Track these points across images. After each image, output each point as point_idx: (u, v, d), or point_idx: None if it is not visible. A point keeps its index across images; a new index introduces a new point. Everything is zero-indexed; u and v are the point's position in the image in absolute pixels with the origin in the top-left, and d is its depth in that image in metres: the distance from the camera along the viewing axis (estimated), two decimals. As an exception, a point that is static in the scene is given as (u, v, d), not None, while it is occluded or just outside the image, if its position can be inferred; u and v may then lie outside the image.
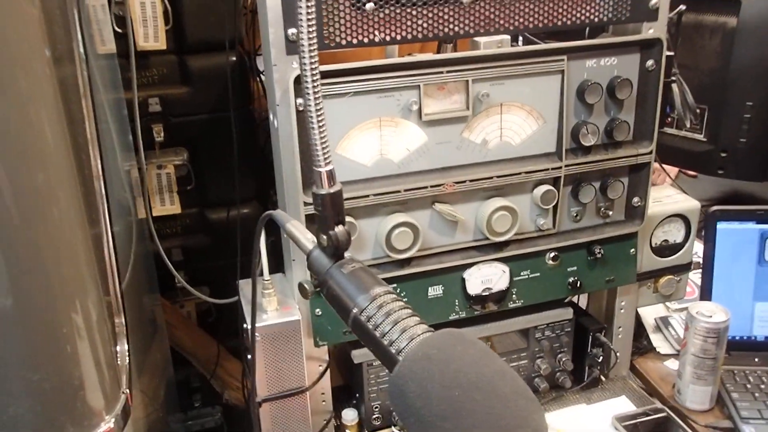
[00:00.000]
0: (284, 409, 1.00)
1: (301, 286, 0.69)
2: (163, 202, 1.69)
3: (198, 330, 1.89)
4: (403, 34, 0.89)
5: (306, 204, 0.91)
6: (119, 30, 1.33)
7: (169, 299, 1.88)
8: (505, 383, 0.57)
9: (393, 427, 1.11)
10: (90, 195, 0.76)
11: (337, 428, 1.11)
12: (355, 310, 0.64)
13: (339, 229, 0.65)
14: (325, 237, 0.66)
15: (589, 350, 1.17)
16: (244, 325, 0.99)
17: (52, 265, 0.66)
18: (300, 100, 0.86)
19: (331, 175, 0.65)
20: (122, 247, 1.29)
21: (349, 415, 1.10)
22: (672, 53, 1.04)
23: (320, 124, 0.63)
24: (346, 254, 0.68)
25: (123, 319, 0.87)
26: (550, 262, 1.07)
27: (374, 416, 1.10)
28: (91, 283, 0.73)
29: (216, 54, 1.51)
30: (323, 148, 0.63)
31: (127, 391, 0.83)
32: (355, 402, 1.12)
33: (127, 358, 0.86)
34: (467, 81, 0.94)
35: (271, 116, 0.94)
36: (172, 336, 1.81)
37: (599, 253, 1.09)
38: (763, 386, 1.14)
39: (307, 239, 0.70)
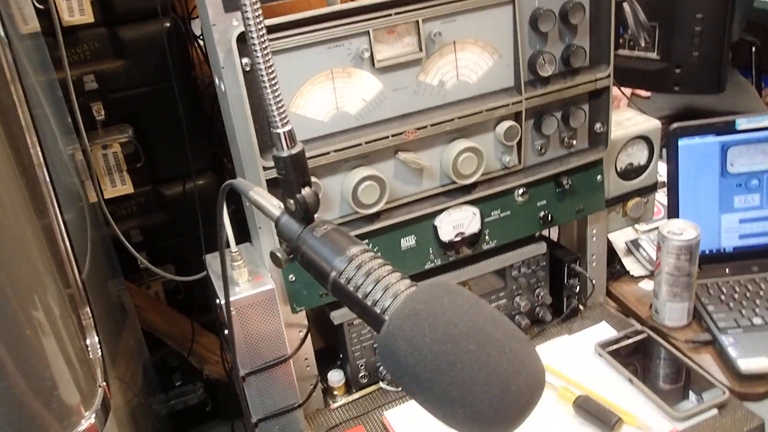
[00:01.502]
0: (269, 380, 0.98)
1: (273, 256, 0.66)
2: (114, 183, 1.63)
3: (169, 309, 1.85)
4: (346, -22, 0.85)
5: (266, 168, 0.87)
6: (40, 6, 1.24)
7: (135, 282, 1.83)
8: (497, 329, 0.56)
9: (381, 382, 1.10)
10: (33, 185, 0.71)
11: (324, 391, 1.10)
12: (333, 274, 0.61)
13: (306, 191, 0.62)
14: (292, 201, 0.62)
15: (565, 282, 1.17)
16: (217, 301, 0.96)
17: (3, 265, 0.61)
18: (246, 60, 0.81)
19: (290, 135, 0.62)
20: (77, 234, 1.23)
21: (335, 377, 1.08)
22: (621, -28, 1.01)
23: (272, 83, 0.59)
24: (316, 216, 0.65)
25: (89, 310, 0.83)
26: (520, 198, 1.06)
27: (361, 375, 1.08)
28: (48, 277, 0.68)
29: (148, 22, 1.43)
30: (279, 108, 0.59)
31: (104, 383, 0.80)
32: (339, 363, 1.10)
33: (99, 350, 0.82)
34: (417, 21, 0.90)
35: (216, 80, 0.89)
36: (143, 318, 1.77)
37: (567, 184, 1.08)
38: (736, 296, 1.16)
39: (274, 206, 0.67)
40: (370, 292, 0.60)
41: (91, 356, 0.81)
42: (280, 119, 0.60)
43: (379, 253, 0.63)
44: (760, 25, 2.58)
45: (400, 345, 0.56)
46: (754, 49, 2.65)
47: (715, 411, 0.98)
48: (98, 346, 0.82)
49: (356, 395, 1.09)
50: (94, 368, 0.80)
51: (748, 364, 1.03)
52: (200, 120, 1.57)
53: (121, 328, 1.54)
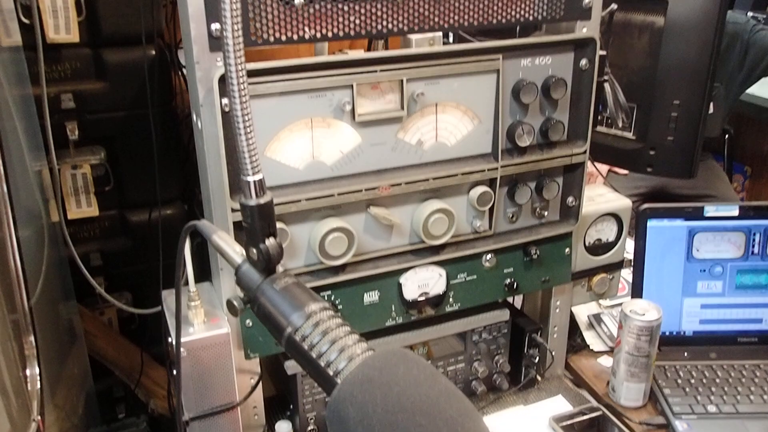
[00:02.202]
0: (214, 426, 0.95)
1: (229, 304, 0.64)
2: (79, 204, 1.59)
3: (120, 338, 1.79)
4: (334, 30, 0.85)
5: (234, 210, 0.85)
6: (26, 21, 1.23)
7: (88, 306, 1.77)
8: (451, 405, 0.54)
9: (329, 438, 1.07)
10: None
11: (270, 442, 1.06)
12: (289, 330, 0.60)
13: (270, 242, 0.61)
14: (255, 251, 0.61)
15: (525, 351, 1.16)
16: (169, 339, 0.93)
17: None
18: (226, 101, 0.80)
19: (260, 184, 0.61)
20: (32, 254, 1.19)
21: (283, 428, 1.05)
22: (604, 53, 1.03)
23: (248, 129, 0.58)
24: (279, 267, 0.64)
25: (33, 340, 0.80)
26: (487, 264, 1.06)
27: (310, 428, 1.05)
28: (-8, 302, 0.66)
29: (134, 47, 1.42)
30: (251, 156, 0.58)
31: (38, 418, 0.76)
32: (289, 414, 1.07)
33: (39, 382, 0.79)
34: (402, 80, 0.90)
35: (194, 117, 0.88)
36: (92, 345, 1.71)
37: (535, 253, 1.08)
38: (692, 381, 1.16)
39: (236, 252, 0.65)
40: (324, 352, 0.58)
41: (29, 387, 0.77)
42: (252, 167, 0.59)
43: (339, 313, 0.61)
44: (734, 114, 2.67)
45: (350, 411, 0.54)
46: (727, 136, 2.73)
47: (663, 499, 0.97)
48: (38, 377, 0.78)
49: (302, 450, 1.06)
50: (30, 400, 0.77)
51: (699, 452, 1.03)
52: (175, 149, 1.56)
53: (67, 353, 1.49)
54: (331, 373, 0.57)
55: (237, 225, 0.86)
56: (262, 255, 0.61)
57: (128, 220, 1.70)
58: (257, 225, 0.61)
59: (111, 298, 1.39)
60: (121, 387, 1.86)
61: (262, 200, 0.61)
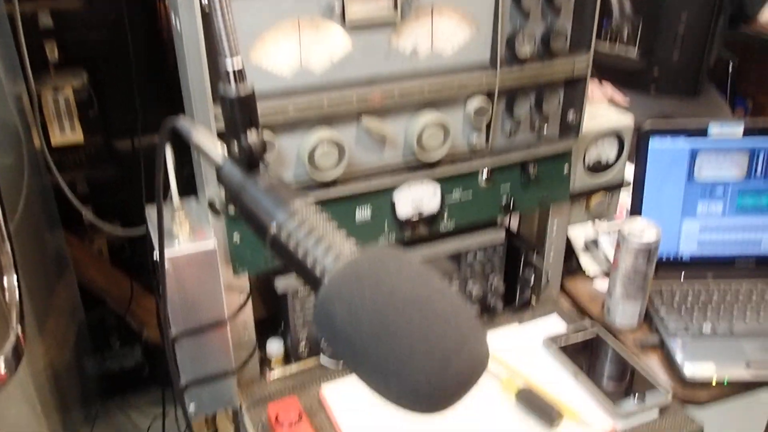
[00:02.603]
0: (203, 343, 0.93)
1: (211, 203, 0.60)
2: (62, 130, 1.54)
3: (110, 267, 1.77)
4: (323, -77, 0.79)
5: (218, 120, 0.81)
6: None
7: (78, 237, 1.75)
8: (444, 302, 0.51)
9: (321, 355, 1.05)
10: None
11: (261, 362, 1.05)
12: (273, 227, 0.57)
13: (251, 134, 0.57)
14: (235, 143, 0.57)
15: (520, 272, 1.14)
16: (154, 256, 0.90)
17: None
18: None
19: (240, 74, 0.57)
20: (11, 179, 1.16)
21: (274, 346, 1.04)
22: (610, -43, 0.98)
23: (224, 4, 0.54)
24: (262, 166, 0.60)
25: (10, 249, 0.77)
26: (483, 181, 1.02)
27: (301, 347, 1.04)
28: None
29: (114, -41, 1.36)
30: (228, 37, 0.54)
31: (18, 328, 0.74)
32: (280, 332, 1.06)
33: (17, 292, 0.76)
34: (395, -21, 0.85)
35: (173, 18, 0.83)
36: (83, 274, 1.69)
37: (533, 171, 1.04)
38: (688, 302, 1.15)
39: (218, 151, 0.61)
40: (310, 250, 0.55)
41: (6, 298, 0.74)
42: (230, 48, 0.55)
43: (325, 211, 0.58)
44: (739, 43, 2.59)
45: (337, 309, 0.51)
46: (731, 64, 2.66)
47: (656, 413, 0.96)
48: (17, 288, 0.76)
49: (294, 368, 1.05)
50: (8, 311, 0.74)
51: (693, 369, 1.02)
52: (161, 72, 1.50)
53: (55, 282, 1.47)
54: (317, 271, 0.54)
55: (222, 136, 0.82)
56: (244, 150, 0.57)
57: (114, 147, 1.66)
58: (238, 117, 0.57)
59: (96, 219, 1.35)
60: (113, 317, 1.86)
61: (243, 92, 0.57)
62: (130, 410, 1.79)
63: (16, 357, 0.71)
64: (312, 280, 0.55)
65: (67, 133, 1.55)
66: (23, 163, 1.26)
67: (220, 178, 0.61)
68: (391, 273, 0.52)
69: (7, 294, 0.74)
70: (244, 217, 0.60)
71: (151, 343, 1.83)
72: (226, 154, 0.60)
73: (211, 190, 0.87)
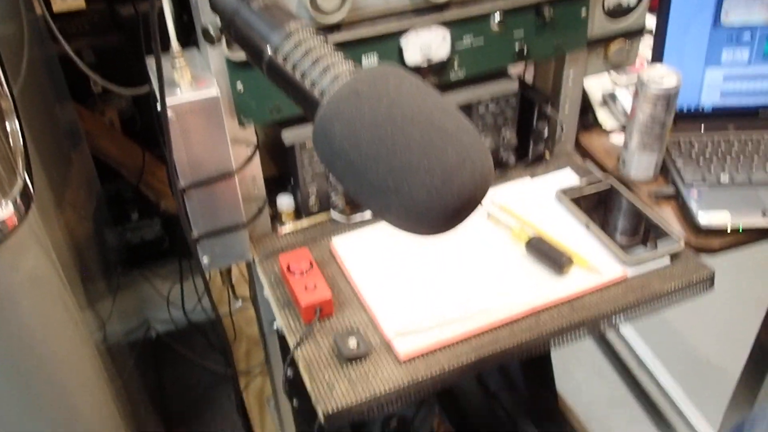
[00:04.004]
0: (212, 195, 0.93)
1: (204, 31, 0.58)
2: (63, -5, 1.49)
3: (123, 137, 1.77)
4: None
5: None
6: None
7: (88, 107, 1.73)
8: (447, 118, 0.50)
9: (332, 210, 1.06)
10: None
11: (272, 217, 1.05)
12: (269, 51, 0.54)
13: (242, -49, 0.53)
14: (225, -40, 0.54)
15: (534, 125, 1.12)
16: (158, 107, 0.89)
17: None
18: None
19: None
20: (10, 44, 1.12)
21: (285, 201, 1.04)
22: None
23: None
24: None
25: (8, 93, 0.75)
26: (496, 26, 0.97)
27: (311, 201, 1.04)
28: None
29: None
30: None
31: (25, 174, 0.74)
32: (290, 188, 1.05)
33: (21, 139, 0.75)
34: None
35: None
36: (96, 146, 1.69)
37: (549, 15, 0.99)
38: (707, 153, 1.12)
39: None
40: (308, 72, 0.53)
41: (11, 143, 0.74)
42: None
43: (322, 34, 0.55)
44: None
45: (336, 127, 0.50)
46: None
47: (667, 259, 0.96)
48: (19, 134, 0.75)
49: (305, 222, 1.05)
50: (13, 156, 0.74)
51: (708, 217, 1.01)
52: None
53: (70, 154, 1.47)
54: (316, 93, 0.53)
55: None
56: (235, -32, 0.54)
57: (118, 13, 1.60)
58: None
59: (104, 81, 1.32)
60: (129, 190, 1.87)
61: None
62: (153, 278, 1.84)
63: (25, 201, 0.72)
64: (311, 104, 0.54)
65: (69, -1, 1.50)
66: (23, 29, 1.23)
67: (213, 4, 0.58)
68: (390, 89, 0.50)
69: (10, 139, 0.73)
70: (239, 44, 0.57)
71: (169, 215, 1.86)
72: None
73: (206, 17, 0.83)
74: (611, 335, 1.86)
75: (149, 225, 1.97)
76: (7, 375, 0.77)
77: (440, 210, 0.48)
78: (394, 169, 0.48)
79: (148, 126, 1.79)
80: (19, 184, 0.72)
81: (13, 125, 0.73)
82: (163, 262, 1.93)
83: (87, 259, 1.45)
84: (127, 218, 1.94)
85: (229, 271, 1.10)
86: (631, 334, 1.81)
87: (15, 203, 0.70)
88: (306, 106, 0.54)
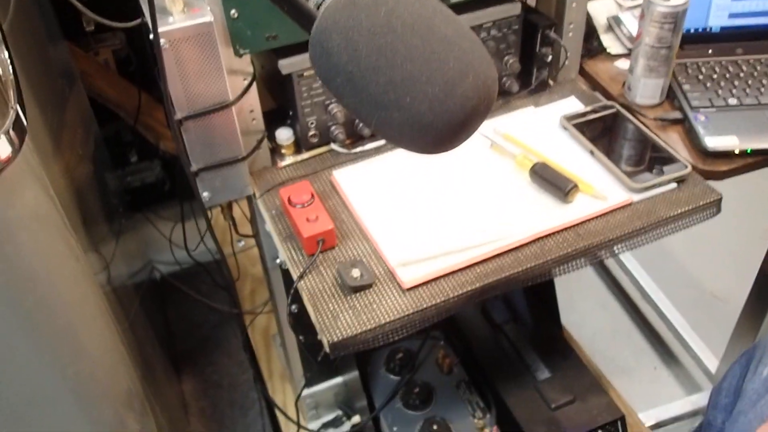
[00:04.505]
0: (209, 127, 0.91)
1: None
2: (46, -75, 1.43)
3: (119, 78, 1.73)
4: None
5: None
6: None
7: (82, 48, 1.70)
8: (448, 25, 0.47)
9: (332, 144, 1.04)
10: None
11: (272, 151, 1.04)
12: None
13: None
14: None
15: (537, 50, 1.08)
16: (150, 37, 0.86)
17: None
18: None
19: None
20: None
21: (284, 135, 1.02)
22: None
23: None
24: None
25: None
26: (497, -55, 0.94)
27: (311, 134, 1.02)
28: None
29: None
30: None
31: (17, 105, 0.72)
32: (289, 122, 1.03)
33: (11, 68, 0.73)
34: None
35: None
36: (91, 86, 1.66)
37: (552, -68, 0.95)
38: (715, 76, 1.09)
39: None
40: (302, -18, 0.51)
41: (1, 74, 0.72)
42: None
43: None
44: None
45: (333, 39, 0.48)
46: None
47: (673, 185, 0.95)
48: (8, 62, 0.73)
49: (306, 155, 1.04)
50: (4, 86, 0.72)
51: (715, 141, 0.99)
52: None
53: (65, 96, 1.44)
54: (312, 5, 0.50)
55: None
56: None
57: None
58: None
59: (95, 15, 1.28)
60: (128, 132, 1.85)
61: None
62: (156, 220, 1.84)
63: (19, 133, 0.70)
64: (307, 18, 0.51)
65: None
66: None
67: None
68: (389, -4, 0.48)
69: (0, 69, 0.71)
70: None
71: (168, 156, 1.84)
72: None
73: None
74: (614, 267, 1.87)
75: (149, 167, 1.95)
76: (9, 311, 0.76)
77: (443, 123, 0.47)
78: (395, 80, 0.46)
79: (143, 66, 1.75)
80: (11, 115, 0.70)
81: (1, 54, 0.71)
82: (165, 204, 1.93)
83: (88, 201, 1.44)
84: (127, 161, 1.93)
85: (230, 206, 1.09)
86: (634, 265, 1.81)
87: (8, 135, 0.68)
88: (302, 20, 0.52)
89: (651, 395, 1.57)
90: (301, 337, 1.22)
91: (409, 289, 0.84)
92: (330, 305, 0.83)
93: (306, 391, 1.34)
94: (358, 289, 0.84)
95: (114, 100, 1.71)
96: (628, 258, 1.83)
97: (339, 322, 0.81)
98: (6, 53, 0.72)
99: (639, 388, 1.58)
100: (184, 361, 1.61)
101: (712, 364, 1.55)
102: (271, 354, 1.53)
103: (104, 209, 1.67)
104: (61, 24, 1.47)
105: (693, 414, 1.50)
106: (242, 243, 1.82)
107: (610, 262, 1.88)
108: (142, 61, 1.76)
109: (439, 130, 0.48)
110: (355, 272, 0.84)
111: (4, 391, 0.80)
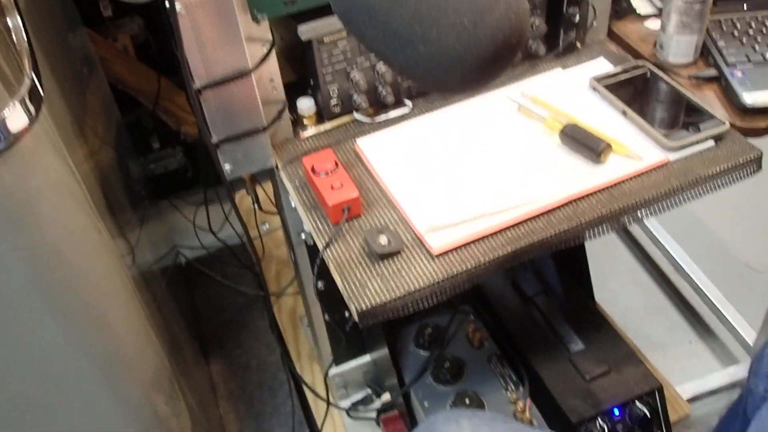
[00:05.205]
0: (229, 96, 0.89)
1: None
2: None
3: (138, 63, 1.73)
4: None
5: None
6: None
7: (101, 34, 1.69)
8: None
9: (354, 113, 1.01)
10: None
11: (294, 122, 1.01)
12: None
13: None
14: None
15: (564, 10, 1.05)
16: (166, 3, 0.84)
17: None
18: None
19: None
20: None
21: (305, 104, 1.00)
22: None
23: None
24: None
25: (8, -10, 0.71)
26: None
27: (333, 103, 1.00)
28: None
29: None
30: None
31: (32, 73, 0.71)
32: (310, 91, 1.01)
33: (25, 36, 0.72)
34: None
35: None
36: (110, 72, 1.66)
37: None
38: (751, 31, 1.05)
39: None
40: None
41: (14, 39, 0.70)
42: None
43: None
44: None
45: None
46: None
47: (711, 143, 0.91)
48: (22, 29, 0.71)
49: (328, 125, 1.01)
50: (19, 55, 0.71)
51: (754, 97, 0.95)
52: None
53: (86, 83, 1.44)
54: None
55: None
56: None
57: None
58: None
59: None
60: (150, 118, 1.85)
61: None
62: (180, 206, 1.83)
63: (35, 102, 0.69)
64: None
65: None
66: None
67: None
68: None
69: (14, 36, 0.69)
70: None
71: (190, 141, 1.83)
72: None
73: None
74: (646, 241, 1.82)
75: (171, 154, 1.95)
76: (33, 286, 0.75)
77: (473, 56, 0.44)
78: (420, 12, 0.43)
79: (162, 50, 1.75)
80: (27, 83, 0.68)
81: (15, 21, 0.70)
82: (189, 191, 1.92)
83: (113, 187, 1.43)
84: (149, 148, 1.92)
85: (253, 181, 1.08)
86: (666, 239, 1.76)
87: (23, 103, 0.67)
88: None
89: (687, 369, 1.52)
90: (326, 317, 1.21)
91: (438, 255, 0.81)
92: (357, 273, 0.81)
93: (334, 370, 1.33)
94: (385, 256, 0.82)
95: (134, 85, 1.71)
96: (660, 231, 1.79)
97: (367, 290, 0.79)
98: (19, 19, 0.70)
99: (675, 363, 1.53)
100: (212, 344, 1.61)
101: (750, 335, 1.51)
102: (298, 335, 1.52)
103: (128, 195, 1.66)
104: (79, 10, 1.47)
105: (731, 386, 1.45)
106: (266, 226, 1.81)
107: (642, 237, 1.84)
108: (160, 44, 1.76)
109: (468, 64, 0.45)
110: (383, 239, 0.82)
111: (31, 369, 0.79)
